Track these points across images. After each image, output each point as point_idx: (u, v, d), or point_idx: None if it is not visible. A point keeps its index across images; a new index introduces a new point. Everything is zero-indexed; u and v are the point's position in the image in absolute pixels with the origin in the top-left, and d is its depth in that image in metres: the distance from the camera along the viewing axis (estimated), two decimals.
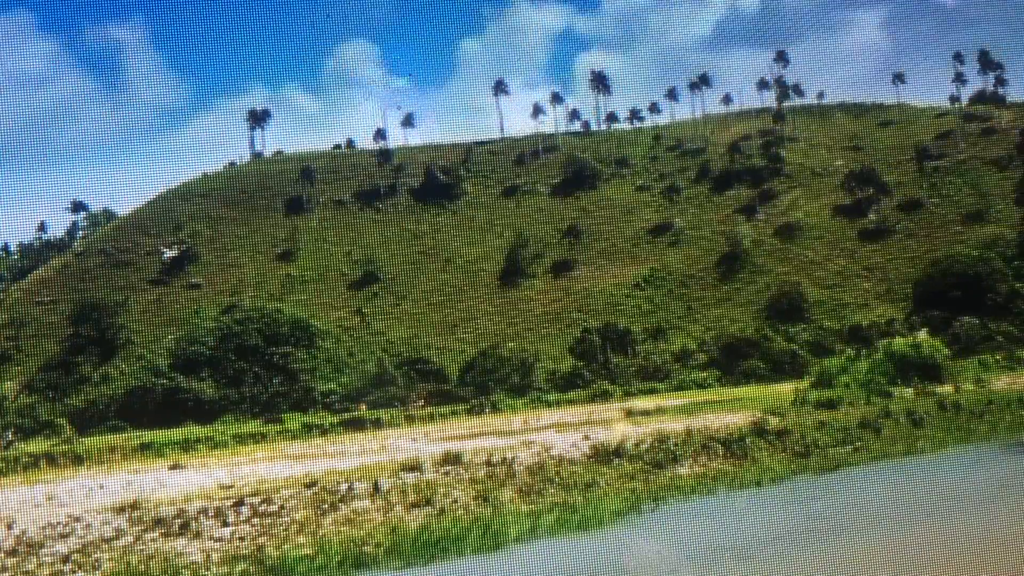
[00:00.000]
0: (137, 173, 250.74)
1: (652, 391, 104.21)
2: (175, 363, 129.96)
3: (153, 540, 29.57)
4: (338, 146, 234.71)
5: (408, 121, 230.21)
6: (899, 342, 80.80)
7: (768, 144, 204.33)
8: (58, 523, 31.51)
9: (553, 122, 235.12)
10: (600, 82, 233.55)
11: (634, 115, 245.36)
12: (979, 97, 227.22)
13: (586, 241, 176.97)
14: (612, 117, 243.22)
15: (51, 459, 67.17)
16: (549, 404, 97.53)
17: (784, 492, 37.60)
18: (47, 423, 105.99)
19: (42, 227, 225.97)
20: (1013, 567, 22.89)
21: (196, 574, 26.51)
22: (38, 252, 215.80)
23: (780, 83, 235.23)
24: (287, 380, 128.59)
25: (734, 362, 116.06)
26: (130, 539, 29.63)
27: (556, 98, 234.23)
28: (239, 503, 33.00)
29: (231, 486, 37.75)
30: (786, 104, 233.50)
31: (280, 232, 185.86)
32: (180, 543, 29.30)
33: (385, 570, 27.61)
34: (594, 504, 33.82)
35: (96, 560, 27.78)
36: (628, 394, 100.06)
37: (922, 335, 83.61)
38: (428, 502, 33.32)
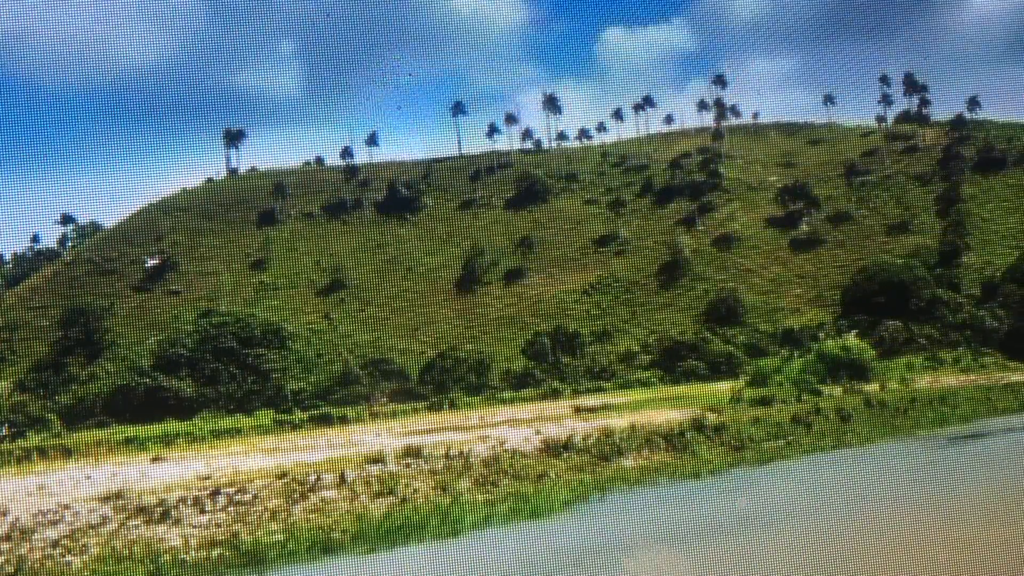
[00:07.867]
0: (122, 188, 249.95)
1: (599, 389, 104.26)
2: (157, 363, 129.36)
3: (136, 527, 29.65)
4: (308, 163, 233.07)
5: (372, 140, 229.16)
6: (830, 344, 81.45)
7: (707, 161, 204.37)
8: (48, 511, 31.53)
9: (508, 140, 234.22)
10: (551, 104, 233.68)
11: (583, 134, 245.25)
12: (904, 117, 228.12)
13: (538, 251, 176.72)
14: (562, 136, 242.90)
15: (42, 452, 66.92)
16: (503, 401, 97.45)
17: (721, 483, 37.94)
18: (38, 419, 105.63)
19: (34, 238, 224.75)
20: (933, 550, 23.25)
21: (176, 558, 26.61)
22: (31, 261, 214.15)
23: (719, 104, 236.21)
24: (260, 379, 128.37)
25: (675, 363, 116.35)
26: (115, 526, 29.69)
27: (510, 118, 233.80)
28: (216, 493, 33.08)
29: (208, 477, 37.79)
30: (724, 124, 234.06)
31: (254, 243, 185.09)
32: (161, 529, 29.39)
33: (351, 555, 27.77)
34: (545, 494, 34.04)
35: (83, 545, 27.88)
36: (577, 392, 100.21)
37: (851, 338, 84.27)
38: (391, 492, 33.48)
